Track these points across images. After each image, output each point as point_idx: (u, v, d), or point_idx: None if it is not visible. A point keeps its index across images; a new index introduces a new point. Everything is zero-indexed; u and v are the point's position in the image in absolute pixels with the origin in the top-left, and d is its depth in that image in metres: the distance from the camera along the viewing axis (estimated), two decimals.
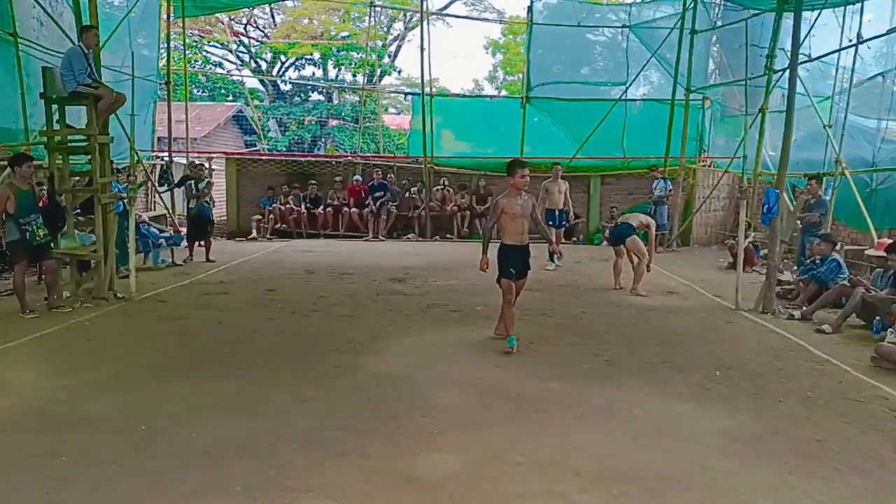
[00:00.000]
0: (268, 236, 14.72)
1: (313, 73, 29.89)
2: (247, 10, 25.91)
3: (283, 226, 14.89)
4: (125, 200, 8.61)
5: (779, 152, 8.56)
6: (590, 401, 4.74)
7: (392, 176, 15.42)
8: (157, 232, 11.38)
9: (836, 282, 7.72)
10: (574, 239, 14.97)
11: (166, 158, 15.05)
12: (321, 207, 15.09)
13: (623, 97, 15.28)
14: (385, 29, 29.03)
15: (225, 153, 18.38)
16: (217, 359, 5.67)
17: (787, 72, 8.28)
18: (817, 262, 8.14)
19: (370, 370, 5.39)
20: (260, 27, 29.75)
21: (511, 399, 4.78)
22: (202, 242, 11.42)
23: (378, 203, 14.80)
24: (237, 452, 3.82)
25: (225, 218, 15.67)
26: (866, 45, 10.34)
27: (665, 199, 13.55)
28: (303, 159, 16.82)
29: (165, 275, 9.87)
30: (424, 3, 16.23)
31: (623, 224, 9.05)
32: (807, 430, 4.30)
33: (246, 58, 30.07)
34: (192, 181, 11.34)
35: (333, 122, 28.13)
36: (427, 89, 15.91)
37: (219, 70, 29.01)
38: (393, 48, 30.06)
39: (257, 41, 29.88)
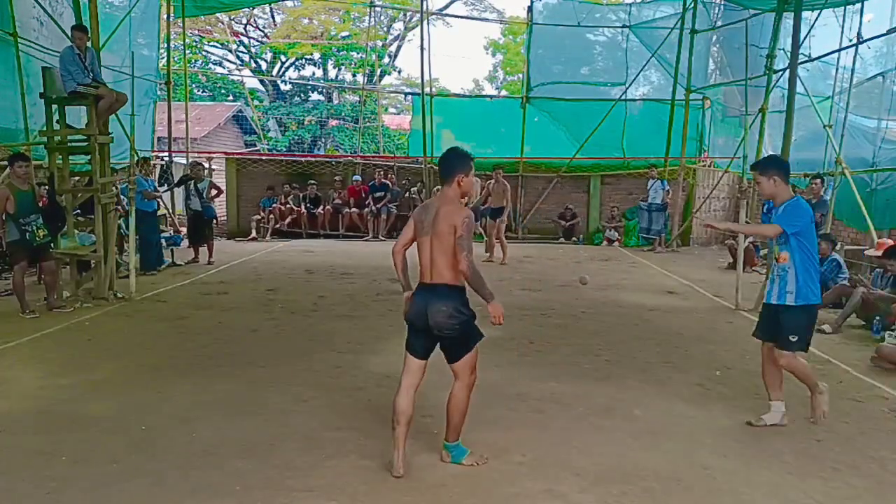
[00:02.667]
0: (268, 236, 14.73)
1: (313, 73, 29.91)
2: (247, 10, 25.90)
3: (283, 226, 14.90)
4: (158, 199, 8.66)
5: (779, 152, 8.56)
6: (590, 401, 4.74)
7: (392, 176, 15.43)
8: None
9: (836, 282, 7.72)
10: (574, 239, 14.98)
11: (166, 158, 15.06)
12: (321, 207, 15.09)
13: (623, 97, 15.29)
14: (385, 29, 29.03)
15: (225, 153, 18.38)
16: (217, 359, 5.67)
17: (787, 72, 8.28)
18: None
19: (370, 370, 5.39)
20: (260, 27, 29.75)
21: (511, 399, 4.78)
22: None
23: (379, 203, 14.80)
24: (237, 452, 3.82)
25: (225, 218, 15.68)
26: (866, 45, 10.33)
27: (662, 204, 13.38)
28: (303, 159, 16.85)
29: (165, 275, 9.86)
30: (424, 3, 16.24)
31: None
32: (807, 430, 4.30)
33: (246, 58, 30.08)
34: (192, 181, 11.32)
35: (333, 122, 28.14)
36: (427, 89, 15.92)
37: (219, 70, 29.02)
38: (393, 48, 30.08)
39: (257, 41, 29.88)
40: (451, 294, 3.59)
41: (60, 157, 8.05)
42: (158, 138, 16.50)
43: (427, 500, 3.34)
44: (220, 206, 14.84)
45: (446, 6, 28.29)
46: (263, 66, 30.15)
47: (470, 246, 3.51)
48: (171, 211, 14.29)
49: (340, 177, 15.55)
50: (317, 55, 28.75)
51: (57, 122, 7.79)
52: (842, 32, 10.41)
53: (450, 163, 3.69)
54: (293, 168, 15.98)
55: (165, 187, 14.37)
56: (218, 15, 24.00)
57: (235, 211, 15.67)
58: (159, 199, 8.74)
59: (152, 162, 14.92)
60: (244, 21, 28.52)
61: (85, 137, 7.92)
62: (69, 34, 9.49)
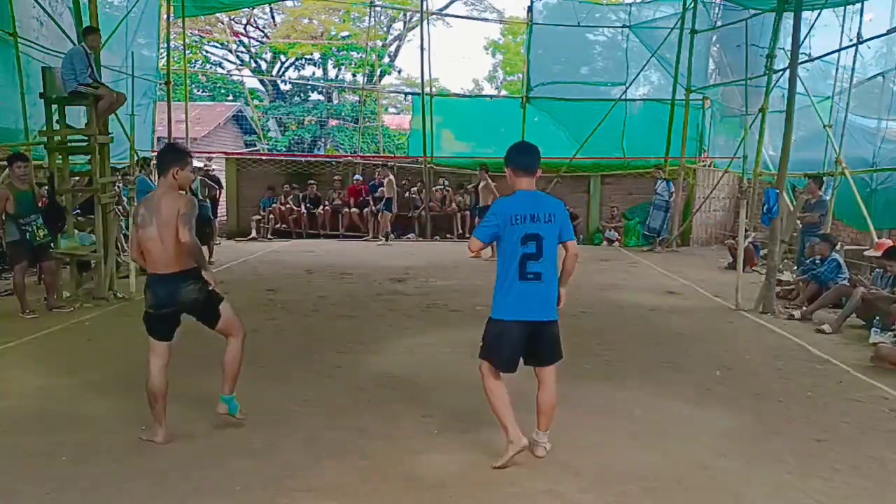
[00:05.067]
0: (268, 236, 14.73)
1: (313, 73, 29.88)
2: (247, 10, 25.89)
3: (283, 226, 14.90)
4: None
5: (779, 152, 8.56)
6: (590, 401, 4.73)
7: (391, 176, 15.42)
8: None
9: (836, 282, 7.71)
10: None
11: None
12: (321, 207, 15.10)
13: (623, 97, 15.27)
14: (385, 29, 29.02)
15: (225, 153, 18.38)
16: (217, 359, 5.62)
17: (787, 72, 8.28)
18: (817, 262, 8.14)
19: (370, 370, 5.39)
20: (260, 27, 29.73)
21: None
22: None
23: (379, 203, 14.79)
24: (237, 452, 3.82)
25: (225, 218, 15.68)
26: (866, 45, 10.33)
27: (665, 205, 13.37)
28: (303, 159, 16.85)
29: None
30: (424, 3, 16.25)
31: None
32: (807, 430, 4.30)
33: (246, 58, 30.06)
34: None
35: (333, 122, 28.12)
36: (427, 89, 15.93)
37: (219, 70, 29.01)
38: (393, 48, 30.06)
39: (257, 41, 29.86)
40: (190, 274, 3.83)
41: (60, 157, 8.04)
42: (158, 138, 16.46)
43: (427, 500, 3.34)
44: (219, 206, 14.87)
45: (446, 6, 28.30)
46: (263, 66, 30.13)
47: (192, 223, 3.73)
48: None
49: (340, 177, 15.57)
50: (317, 55, 28.72)
51: (57, 122, 7.78)
52: (842, 32, 10.40)
53: (166, 157, 3.96)
54: (293, 168, 15.98)
55: None
56: (218, 15, 23.99)
57: (235, 211, 15.68)
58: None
59: (153, 162, 14.94)
60: (244, 21, 28.50)
61: (85, 137, 7.92)
62: (69, 34, 9.52)
